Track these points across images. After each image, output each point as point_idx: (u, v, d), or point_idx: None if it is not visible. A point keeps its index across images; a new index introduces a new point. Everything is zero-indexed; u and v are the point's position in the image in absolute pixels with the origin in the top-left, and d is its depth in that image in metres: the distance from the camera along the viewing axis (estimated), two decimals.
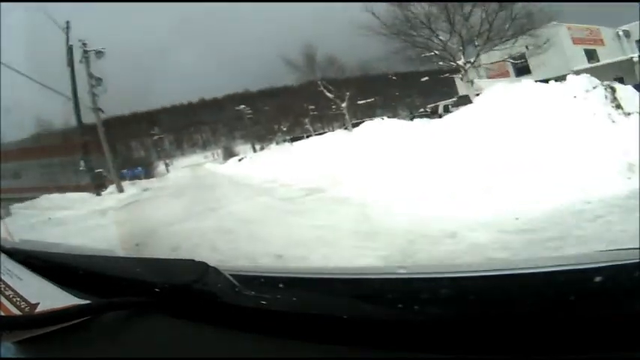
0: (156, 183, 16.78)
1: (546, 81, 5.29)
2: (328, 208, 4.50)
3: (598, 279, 0.45)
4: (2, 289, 0.72)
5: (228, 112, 23.00)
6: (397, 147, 5.95)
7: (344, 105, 15.30)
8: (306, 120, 18.26)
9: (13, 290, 0.71)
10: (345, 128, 14.30)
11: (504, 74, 13.19)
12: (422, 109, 14.82)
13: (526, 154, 3.97)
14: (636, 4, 11.03)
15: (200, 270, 0.69)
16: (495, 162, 4.02)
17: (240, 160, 18.51)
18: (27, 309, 0.65)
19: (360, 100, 16.74)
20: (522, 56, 12.51)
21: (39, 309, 0.65)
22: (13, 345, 0.59)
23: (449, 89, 15.11)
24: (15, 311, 0.65)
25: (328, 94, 15.37)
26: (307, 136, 15.91)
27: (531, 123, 4.36)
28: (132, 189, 14.19)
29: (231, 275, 0.67)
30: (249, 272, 0.76)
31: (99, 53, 14.41)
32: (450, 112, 10.62)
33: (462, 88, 13.69)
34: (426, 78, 14.93)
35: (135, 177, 18.38)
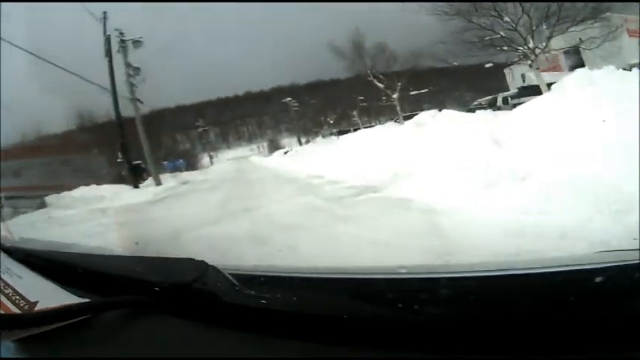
0: (197, 175, 16.32)
1: None
2: (385, 214, 3.70)
3: (598, 279, 0.45)
4: (2, 287, 0.71)
5: (274, 104, 22.79)
6: (462, 141, 4.96)
7: (395, 96, 14.05)
8: (354, 112, 17.29)
9: (12, 289, 0.71)
10: (396, 121, 13.21)
11: (556, 68, 11.93)
12: (476, 102, 13.31)
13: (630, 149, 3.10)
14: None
15: (200, 269, 0.69)
16: (591, 159, 3.20)
17: (285, 153, 18.10)
18: (26, 307, 0.65)
19: (413, 90, 15.56)
20: (576, 50, 11.17)
21: (38, 307, 0.65)
22: (12, 344, 0.59)
23: (497, 83, 14.37)
24: (14, 310, 0.65)
25: (378, 84, 14.11)
26: (354, 130, 14.96)
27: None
28: (171, 182, 13.84)
29: (230, 274, 0.67)
30: (249, 272, 0.76)
31: (136, 42, 13.99)
32: (511, 104, 9.76)
33: (516, 80, 12.60)
34: (490, 64, 12.97)
35: (176, 169, 18.07)
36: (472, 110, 9.74)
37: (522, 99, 8.08)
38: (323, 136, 18.51)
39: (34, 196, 12.49)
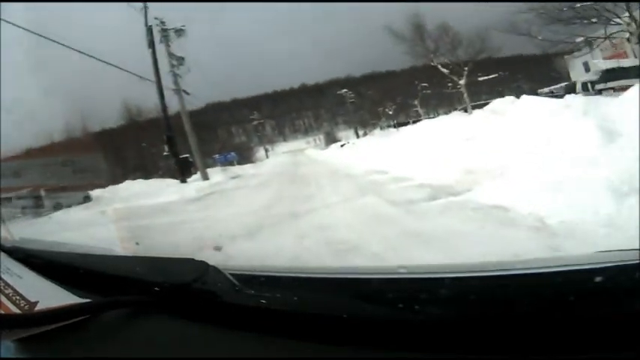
0: (250, 169, 15.96)
1: None
2: (480, 230, 2.51)
3: (598, 279, 0.46)
4: (2, 287, 0.71)
5: (330, 97, 22.70)
6: (559, 132, 3.85)
7: (462, 82, 12.42)
8: (416, 102, 15.86)
9: (12, 289, 0.71)
10: (463, 110, 11.76)
11: (621, 55, 10.78)
12: (545, 90, 11.82)
13: None
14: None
15: (200, 269, 0.69)
16: None
17: (342, 145, 17.67)
18: (26, 307, 0.65)
19: (482, 75, 13.67)
20: None
21: (38, 307, 0.65)
22: (12, 343, 0.59)
23: (555, 73, 13.50)
24: (14, 310, 0.65)
25: (442, 70, 12.63)
26: (414, 122, 13.94)
27: None
28: (219, 176, 13.30)
29: (231, 274, 0.67)
30: (249, 272, 0.76)
31: (179, 31, 13.46)
32: (596, 89, 8.65)
33: (576, 70, 11.36)
34: (580, 38, 10.65)
35: (227, 163, 17.65)
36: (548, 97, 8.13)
37: (609, 83, 7.48)
38: (381, 128, 17.88)
39: (77, 190, 12.59)
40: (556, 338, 0.42)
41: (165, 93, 13.50)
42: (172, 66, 13.48)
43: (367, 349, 0.48)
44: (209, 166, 15.50)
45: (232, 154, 19.19)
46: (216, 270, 0.69)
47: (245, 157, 20.48)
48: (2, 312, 0.65)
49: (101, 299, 0.67)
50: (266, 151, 22.63)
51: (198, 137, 14.25)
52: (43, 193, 11.70)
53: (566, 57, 12.70)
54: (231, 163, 17.84)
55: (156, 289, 0.67)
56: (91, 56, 11.68)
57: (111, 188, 13.41)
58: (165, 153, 13.90)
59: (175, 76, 13.50)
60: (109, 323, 0.63)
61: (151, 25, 13.23)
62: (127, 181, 14.11)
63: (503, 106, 6.73)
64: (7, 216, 10.00)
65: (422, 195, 3.80)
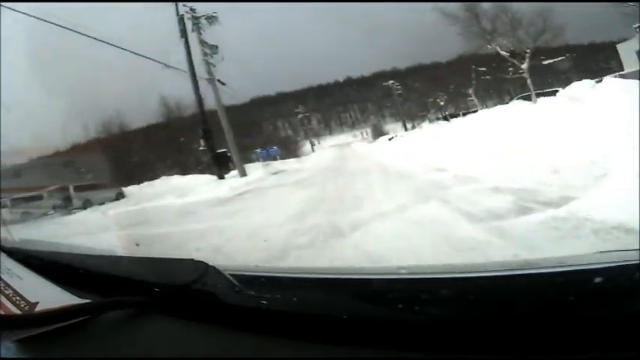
0: (293, 164, 15.07)
1: None
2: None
3: (598, 279, 0.46)
4: (2, 288, 0.72)
5: (377, 89, 22.36)
6: None
7: (524, 66, 10.81)
8: (470, 90, 14.22)
9: (12, 289, 0.71)
10: (523, 99, 10.04)
11: None
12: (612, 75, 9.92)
13: None
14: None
15: (200, 270, 0.69)
16: None
17: (390, 139, 16.68)
18: (26, 308, 0.65)
19: (545, 59, 11.93)
20: None
21: (38, 308, 0.65)
22: (13, 344, 0.59)
23: (604, 63, 12.64)
24: (15, 310, 0.65)
25: (502, 53, 11.18)
26: (464, 114, 12.66)
27: None
28: (259, 172, 12.57)
29: (231, 275, 0.67)
30: (249, 272, 0.76)
31: (210, 18, 13.00)
32: None
33: (628, 59, 10.01)
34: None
35: (270, 157, 17.08)
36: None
37: None
38: (430, 121, 16.95)
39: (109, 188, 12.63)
40: (556, 338, 0.42)
41: (201, 85, 12.98)
42: (205, 55, 12.87)
43: (367, 349, 0.48)
44: (251, 161, 15.12)
45: (275, 148, 18.64)
46: (216, 271, 0.69)
47: (291, 151, 20.02)
48: (2, 312, 0.65)
49: (101, 300, 0.67)
50: (312, 144, 22.37)
51: (241, 132, 13.88)
52: (72, 190, 11.61)
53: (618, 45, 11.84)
54: (274, 158, 17.24)
55: (156, 289, 0.67)
56: (132, 52, 11.59)
57: (146, 184, 13.36)
58: (201, 147, 13.24)
59: (208, 65, 12.89)
60: (109, 324, 0.63)
61: (182, 14, 12.78)
62: (162, 177, 13.95)
63: (582, 91, 5.65)
64: (35, 215, 9.94)
65: (504, 203, 2.81)
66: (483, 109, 11.93)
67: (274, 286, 0.66)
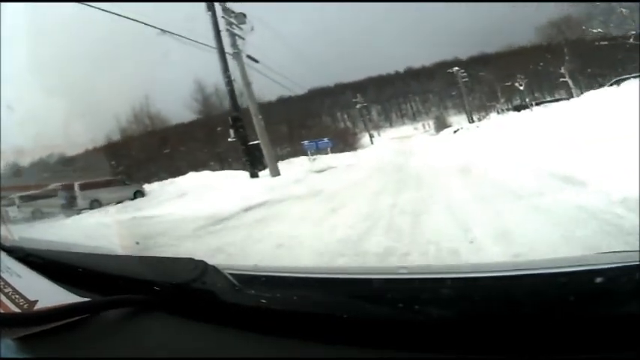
0: (345, 159, 13.00)
1: None
2: None
3: (598, 280, 0.46)
4: (2, 286, 0.72)
5: (439, 79, 21.77)
6: None
7: None
8: (562, 69, 12.53)
9: (12, 287, 0.71)
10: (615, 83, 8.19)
11: None
12: None
13: None
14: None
15: (199, 269, 0.69)
16: None
17: (455, 132, 15.55)
18: (26, 306, 0.65)
19: None
20: None
21: (38, 306, 0.65)
22: (12, 342, 0.59)
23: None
24: (14, 309, 0.65)
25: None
26: (537, 104, 11.75)
27: None
28: (299, 169, 10.74)
29: (230, 274, 0.67)
30: (249, 271, 0.76)
31: None
32: None
33: None
34: None
35: (316, 151, 14.99)
36: None
37: None
38: (498, 112, 15.75)
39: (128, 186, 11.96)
40: (557, 339, 0.43)
41: (233, 65, 10.82)
42: (230, 24, 10.65)
43: (367, 349, 0.48)
44: (305, 154, 13.43)
45: (326, 140, 15.95)
46: (215, 270, 0.69)
47: (348, 143, 18.46)
48: (2, 311, 0.65)
49: (100, 298, 0.67)
50: (371, 136, 21.20)
51: (296, 123, 12.69)
52: (77, 189, 10.53)
53: None
54: (324, 151, 15.08)
55: (155, 288, 0.67)
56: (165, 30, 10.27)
57: (169, 182, 12.54)
58: (230, 138, 11.15)
59: (234, 36, 10.72)
60: (108, 322, 0.63)
61: None
62: (191, 173, 12.98)
63: None
64: (38, 216, 9.35)
65: None
66: (578, 94, 10.74)
67: (274, 286, 0.66)
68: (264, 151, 10.71)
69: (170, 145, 16.63)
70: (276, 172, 10.43)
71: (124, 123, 17.19)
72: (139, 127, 17.49)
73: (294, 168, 11.30)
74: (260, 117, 10.76)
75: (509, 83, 15.37)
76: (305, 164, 12.31)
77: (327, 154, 14.78)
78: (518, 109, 13.91)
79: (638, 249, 1.37)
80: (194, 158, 15.80)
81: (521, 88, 15.06)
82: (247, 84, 10.88)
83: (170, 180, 13.06)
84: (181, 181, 12.52)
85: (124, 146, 16.26)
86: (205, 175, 12.68)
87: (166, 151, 16.37)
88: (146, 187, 12.81)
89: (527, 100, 15.20)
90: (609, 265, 0.50)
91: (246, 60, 10.98)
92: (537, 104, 12.10)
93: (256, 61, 11.23)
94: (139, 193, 11.79)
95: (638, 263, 0.49)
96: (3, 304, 0.66)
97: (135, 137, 16.97)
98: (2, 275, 0.75)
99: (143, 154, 15.75)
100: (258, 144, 10.87)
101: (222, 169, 13.60)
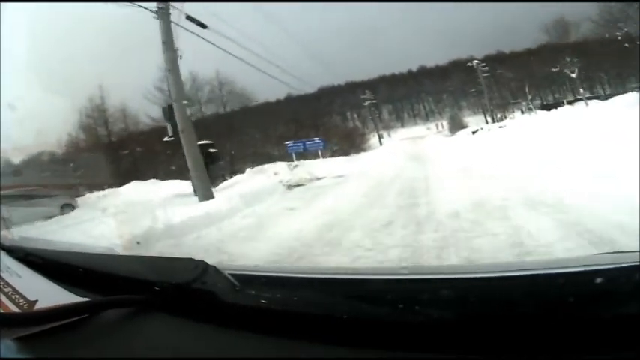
0: (338, 166, 9.60)
1: None
2: None
3: (598, 281, 0.46)
4: (2, 286, 0.72)
5: (454, 78, 20.94)
6: None
7: None
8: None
9: (12, 287, 0.71)
10: None
11: None
12: None
13: None
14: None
15: (199, 269, 0.69)
16: None
17: (474, 132, 14.01)
18: (26, 306, 0.65)
19: None
20: None
21: (38, 306, 0.65)
22: (12, 342, 0.59)
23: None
24: (14, 308, 0.65)
25: None
26: (569, 102, 10.81)
27: None
28: (258, 186, 7.46)
29: (230, 274, 0.67)
30: (249, 272, 0.76)
31: None
32: None
33: None
34: None
35: (308, 154, 12.25)
36: None
37: None
38: (522, 112, 14.55)
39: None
40: (556, 339, 0.43)
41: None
42: None
43: (367, 349, 0.48)
44: (284, 159, 10.87)
45: (316, 140, 12.99)
46: (215, 270, 0.69)
47: (356, 144, 16.23)
48: (2, 311, 0.65)
49: (100, 298, 0.67)
50: (380, 137, 19.42)
51: (299, 123, 11.12)
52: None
53: None
54: (314, 155, 12.11)
55: (155, 288, 0.67)
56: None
57: (104, 193, 10.92)
58: (166, 138, 8.07)
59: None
60: (108, 322, 0.63)
61: None
62: (133, 182, 11.28)
63: None
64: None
65: None
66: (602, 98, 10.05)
67: (274, 286, 0.66)
68: (188, 162, 7.41)
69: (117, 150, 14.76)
70: (206, 195, 7.04)
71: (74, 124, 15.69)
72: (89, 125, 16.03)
73: (255, 181, 8.14)
74: (185, 102, 7.79)
75: (556, 69, 13.59)
76: (281, 173, 9.17)
77: (318, 157, 12.07)
78: (548, 107, 12.65)
79: (638, 249, 1.37)
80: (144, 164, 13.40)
81: (573, 75, 13.20)
82: (170, 51, 7.05)
83: (109, 190, 11.17)
84: (121, 191, 10.80)
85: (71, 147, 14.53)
86: (147, 185, 10.79)
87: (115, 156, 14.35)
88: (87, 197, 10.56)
89: (580, 90, 13.33)
90: (609, 266, 0.50)
91: (187, 25, 7.58)
92: (569, 102, 11.01)
93: (204, 26, 8.24)
94: (68, 207, 9.55)
95: (638, 263, 0.49)
96: (3, 304, 0.66)
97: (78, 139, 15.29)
98: (2, 275, 0.75)
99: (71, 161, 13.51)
100: (211, 143, 8.06)
101: (173, 178, 10.89)
